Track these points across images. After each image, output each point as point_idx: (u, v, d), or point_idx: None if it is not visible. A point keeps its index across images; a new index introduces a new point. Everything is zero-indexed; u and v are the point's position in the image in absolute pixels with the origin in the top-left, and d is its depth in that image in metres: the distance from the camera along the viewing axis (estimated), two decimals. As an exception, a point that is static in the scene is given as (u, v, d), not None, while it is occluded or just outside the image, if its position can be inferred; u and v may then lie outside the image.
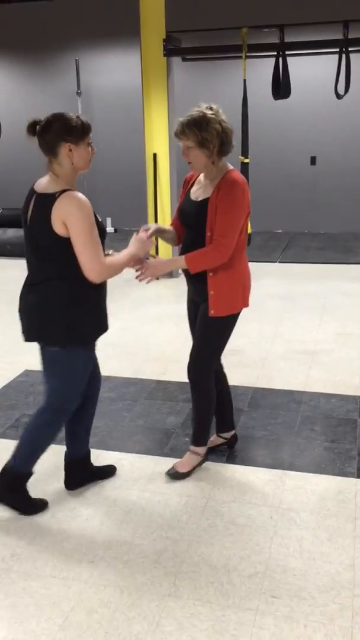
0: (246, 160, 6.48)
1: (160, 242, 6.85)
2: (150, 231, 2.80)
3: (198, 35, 6.72)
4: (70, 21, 9.07)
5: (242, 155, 6.48)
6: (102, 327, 2.71)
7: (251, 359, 4.49)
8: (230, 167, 2.83)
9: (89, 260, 2.47)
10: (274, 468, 3.10)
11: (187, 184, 3.00)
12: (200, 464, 3.10)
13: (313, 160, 9.08)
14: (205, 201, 2.79)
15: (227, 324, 2.92)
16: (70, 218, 2.42)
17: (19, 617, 2.21)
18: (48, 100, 9.47)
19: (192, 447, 3.09)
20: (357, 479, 2.98)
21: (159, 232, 2.96)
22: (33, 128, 2.50)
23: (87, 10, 8.90)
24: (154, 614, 2.21)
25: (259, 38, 6.33)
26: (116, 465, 3.11)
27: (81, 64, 8.92)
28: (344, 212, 9.14)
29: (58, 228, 2.45)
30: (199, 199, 2.84)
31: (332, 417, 3.61)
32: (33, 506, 2.80)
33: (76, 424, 2.89)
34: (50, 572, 2.43)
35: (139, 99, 6.66)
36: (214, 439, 3.26)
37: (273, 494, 2.89)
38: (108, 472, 3.06)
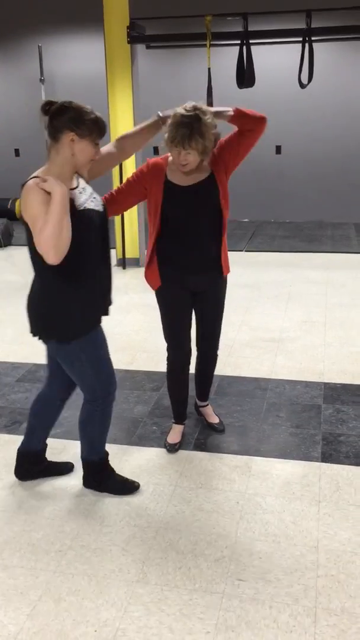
0: (211, 149, 6.46)
1: (127, 217, 6.82)
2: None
3: (162, 22, 6.68)
4: (32, 6, 8.92)
5: (207, 144, 6.47)
6: (96, 313, 2.65)
7: (218, 347, 4.51)
8: None
9: (41, 243, 2.24)
10: (240, 454, 3.14)
11: (159, 171, 2.78)
12: None
13: (278, 150, 9.14)
14: (209, 177, 2.80)
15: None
16: (24, 207, 2.32)
17: (-14, 607, 2.21)
18: (10, 88, 9.29)
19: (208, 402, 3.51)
20: (321, 463, 3.04)
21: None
22: (47, 107, 2.44)
23: (49, -5, 8.77)
24: (122, 601, 2.23)
25: (223, 26, 6.32)
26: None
27: (44, 51, 8.77)
28: (309, 201, 9.24)
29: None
30: (199, 180, 2.79)
31: (297, 403, 3.67)
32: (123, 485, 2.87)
33: (37, 417, 2.89)
34: (17, 562, 2.43)
35: (103, 86, 6.60)
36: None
37: (239, 479, 2.93)
38: (63, 469, 3.01)
